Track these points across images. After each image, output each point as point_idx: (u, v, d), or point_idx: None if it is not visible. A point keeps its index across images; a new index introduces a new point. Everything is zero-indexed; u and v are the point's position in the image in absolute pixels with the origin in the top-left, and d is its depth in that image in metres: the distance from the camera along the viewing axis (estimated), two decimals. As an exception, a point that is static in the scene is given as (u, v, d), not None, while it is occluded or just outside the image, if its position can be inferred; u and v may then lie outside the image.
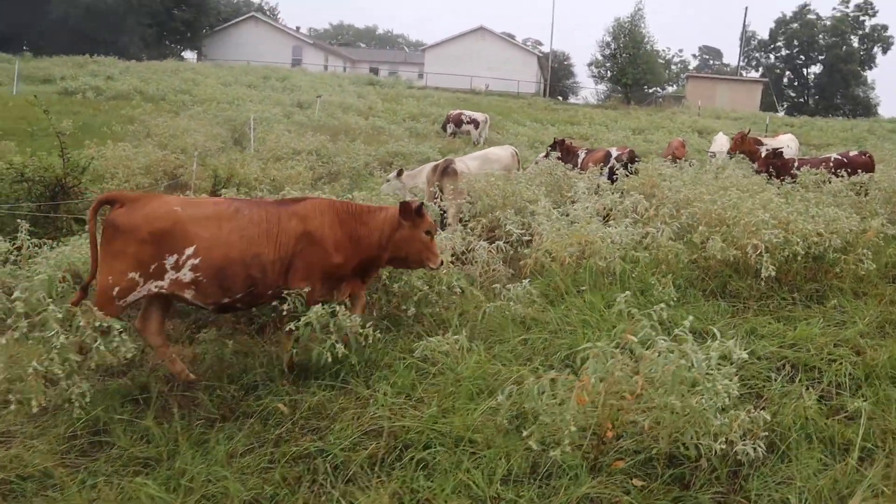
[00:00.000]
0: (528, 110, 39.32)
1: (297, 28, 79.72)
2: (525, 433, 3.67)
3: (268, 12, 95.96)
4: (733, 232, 7.13)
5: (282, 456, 4.18)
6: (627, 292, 4.44)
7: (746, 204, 7.43)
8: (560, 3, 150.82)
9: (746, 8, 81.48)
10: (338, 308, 5.07)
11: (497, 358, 5.29)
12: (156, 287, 4.90)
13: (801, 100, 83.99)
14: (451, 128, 24.94)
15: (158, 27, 57.10)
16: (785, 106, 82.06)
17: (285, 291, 5.20)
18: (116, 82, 30.76)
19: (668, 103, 54.57)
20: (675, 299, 6.56)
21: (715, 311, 6.53)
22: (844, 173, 10.58)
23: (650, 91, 71.52)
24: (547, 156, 12.57)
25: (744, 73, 78.77)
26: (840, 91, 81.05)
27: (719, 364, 3.71)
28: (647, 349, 3.84)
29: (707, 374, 3.64)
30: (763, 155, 11.87)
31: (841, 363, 5.22)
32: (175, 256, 4.87)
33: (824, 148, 29.68)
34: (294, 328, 4.93)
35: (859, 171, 10.92)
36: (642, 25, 57.23)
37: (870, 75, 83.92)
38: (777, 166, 11.49)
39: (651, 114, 41.79)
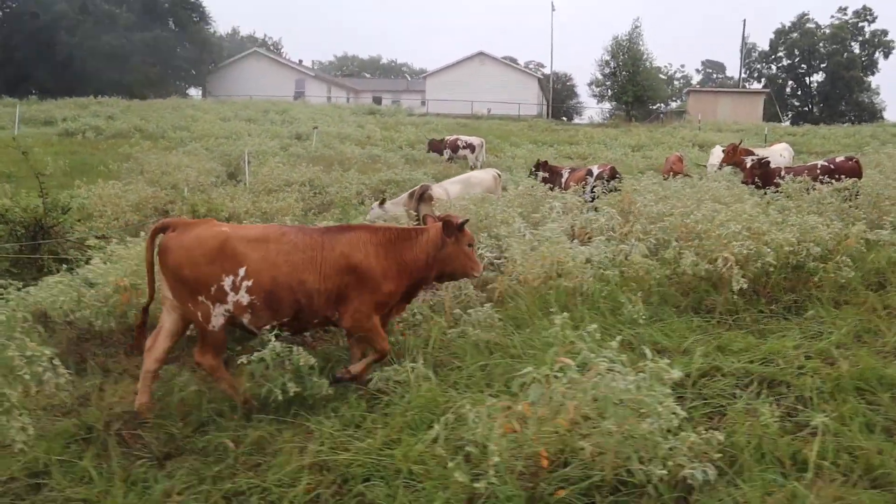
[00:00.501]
0: (528, 132, 39.33)
1: (300, 61, 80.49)
2: (450, 464, 3.51)
3: (271, 47, 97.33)
4: (706, 245, 6.97)
5: (218, 493, 4.05)
6: (565, 314, 4.27)
7: (719, 216, 7.27)
8: (561, 25, 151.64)
9: (745, 20, 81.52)
10: (294, 349, 4.95)
11: (455, 385, 5.15)
12: (226, 311, 5.08)
13: (806, 108, 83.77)
14: (447, 153, 25.04)
15: (163, 66, 57.79)
16: (790, 115, 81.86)
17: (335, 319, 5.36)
18: (117, 121, 31.07)
19: (670, 119, 54.50)
20: (646, 317, 6.42)
21: (687, 328, 6.36)
22: (832, 180, 10.40)
23: (654, 108, 71.64)
24: (531, 176, 12.47)
25: (746, 84, 78.76)
26: (844, 98, 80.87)
27: (651, 385, 3.53)
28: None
29: (642, 396, 3.47)
30: (749, 166, 11.70)
31: (811, 377, 5.04)
32: (231, 277, 5.01)
33: (826, 155, 29.43)
34: (247, 362, 4.84)
35: (846, 176, 10.74)
36: (640, 43, 57.54)
37: (873, 81, 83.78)
38: (762, 176, 11.31)
39: (652, 130, 41.68)
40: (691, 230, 7.29)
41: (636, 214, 8.44)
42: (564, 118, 72.16)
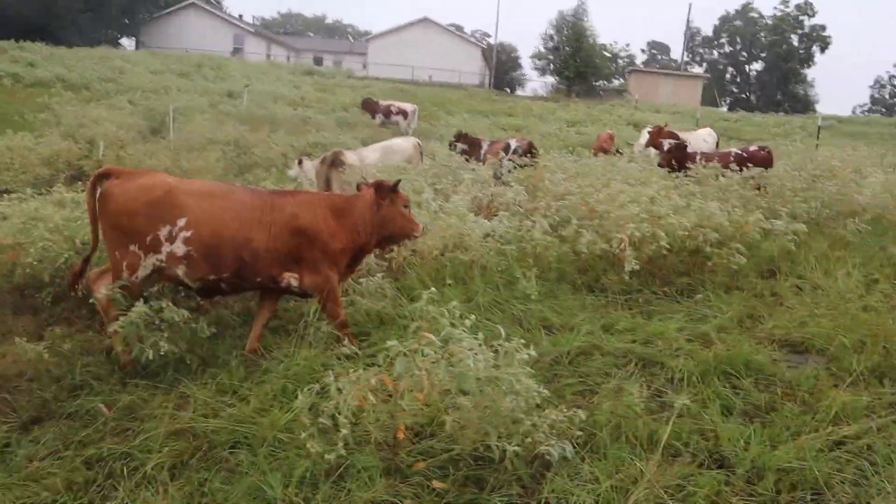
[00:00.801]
0: (467, 101, 39.27)
1: (241, 16, 78.32)
2: (303, 434, 3.52)
3: (213, 0, 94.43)
4: (604, 226, 7.10)
5: (79, 459, 3.99)
6: (432, 289, 4.29)
7: (620, 197, 7.40)
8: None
9: (690, 4, 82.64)
10: (165, 304, 4.88)
11: (338, 356, 5.14)
12: (157, 261, 5.07)
13: (744, 96, 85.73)
14: (379, 118, 24.84)
15: (93, 12, 55.19)
16: (728, 101, 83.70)
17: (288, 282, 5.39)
18: (38, 69, 29.72)
19: (610, 97, 55.04)
20: (541, 293, 6.53)
21: (580, 306, 6.49)
22: (743, 168, 10.68)
23: (596, 84, 72.21)
24: (451, 147, 12.46)
25: (689, 68, 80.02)
26: (780, 88, 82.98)
27: (509, 363, 3.59)
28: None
29: (499, 374, 3.53)
30: (666, 149, 11.92)
31: (685, 359, 5.20)
32: (168, 227, 5.01)
33: (754, 143, 30.22)
34: (120, 328, 4.74)
35: (758, 165, 11.05)
36: (585, 19, 57.73)
37: (809, 73, 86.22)
38: (678, 159, 11.54)
39: (590, 107, 42.04)
40: (593, 210, 7.41)
41: (544, 191, 8.53)
42: (508, 89, 72.15)
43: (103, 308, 5.17)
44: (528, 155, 11.11)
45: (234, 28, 65.00)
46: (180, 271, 5.10)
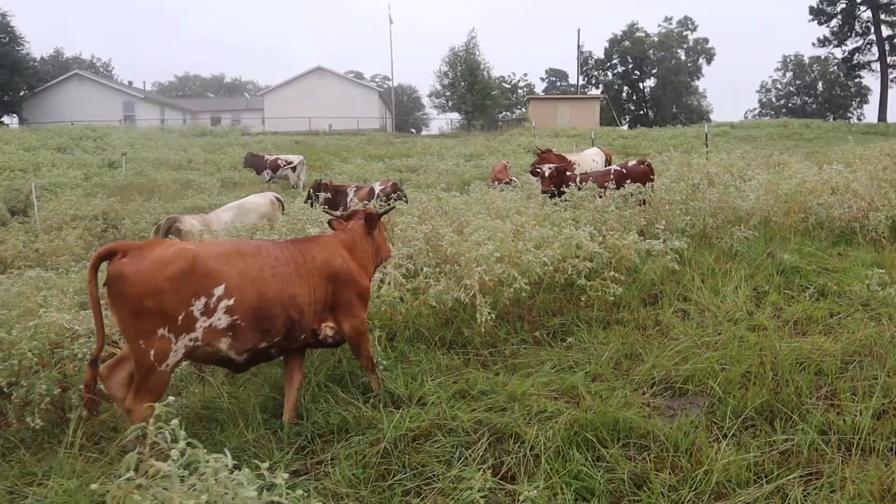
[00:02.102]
0: (365, 147, 38.50)
1: (130, 83, 76.13)
2: None
3: (101, 69, 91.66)
4: (459, 271, 6.22)
5: None
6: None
7: (475, 236, 6.56)
8: (406, 38, 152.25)
9: (579, 29, 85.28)
10: None
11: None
12: (191, 342, 4.28)
13: (641, 112, 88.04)
14: (268, 174, 23.67)
15: (-33, 92, 52.64)
16: (627, 119, 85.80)
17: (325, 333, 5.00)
18: None
19: (510, 126, 55.33)
20: (392, 358, 5.59)
21: (437, 368, 5.55)
22: (623, 184, 10.09)
23: (499, 116, 72.79)
24: (308, 200, 11.50)
25: (586, 91, 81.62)
26: (674, 102, 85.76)
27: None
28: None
29: None
30: (546, 174, 11.26)
31: (543, 429, 4.32)
32: (203, 300, 4.28)
33: (649, 156, 30.35)
34: None
35: (638, 181, 10.48)
36: (477, 53, 58.12)
37: (700, 84, 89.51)
38: (558, 184, 10.87)
39: (489, 139, 41.93)
40: (443, 253, 6.54)
41: (394, 238, 7.63)
42: (413, 130, 72.07)
43: (135, 418, 4.03)
44: (395, 197, 10.24)
45: (122, 95, 62.82)
46: (223, 345, 4.44)
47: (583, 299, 6.57)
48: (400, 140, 43.85)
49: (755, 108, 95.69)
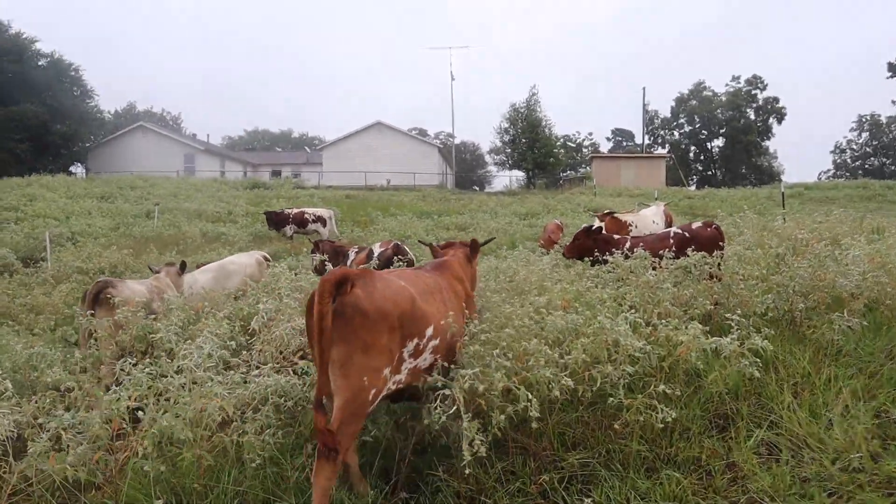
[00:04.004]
0: (418, 203, 36.89)
1: (194, 135, 77.23)
2: None
3: (170, 122, 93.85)
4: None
5: None
6: None
7: (472, 325, 4.55)
8: (470, 99, 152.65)
9: (644, 88, 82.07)
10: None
11: None
12: (394, 384, 4.03)
13: (709, 172, 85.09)
14: (291, 229, 21.92)
15: (33, 142, 53.31)
16: (694, 179, 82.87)
17: None
18: (-70, 201, 27.07)
19: (572, 185, 53.32)
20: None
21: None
22: (685, 251, 7.95)
23: (564, 174, 70.91)
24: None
25: (652, 150, 79.24)
26: (743, 162, 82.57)
27: None
28: None
29: None
30: (576, 235, 9.23)
31: None
32: (416, 341, 4.09)
33: (717, 217, 27.89)
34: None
35: (704, 247, 8.33)
36: (538, 109, 56.44)
37: (770, 145, 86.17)
38: (599, 248, 8.78)
39: (548, 197, 39.92)
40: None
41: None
42: (476, 188, 70.57)
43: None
44: (396, 260, 8.35)
45: (184, 147, 63.16)
46: (419, 383, 4.21)
47: (617, 425, 4.46)
48: (455, 197, 42.15)
49: (829, 170, 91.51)
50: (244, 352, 5.83)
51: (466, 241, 5.79)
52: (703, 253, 7.37)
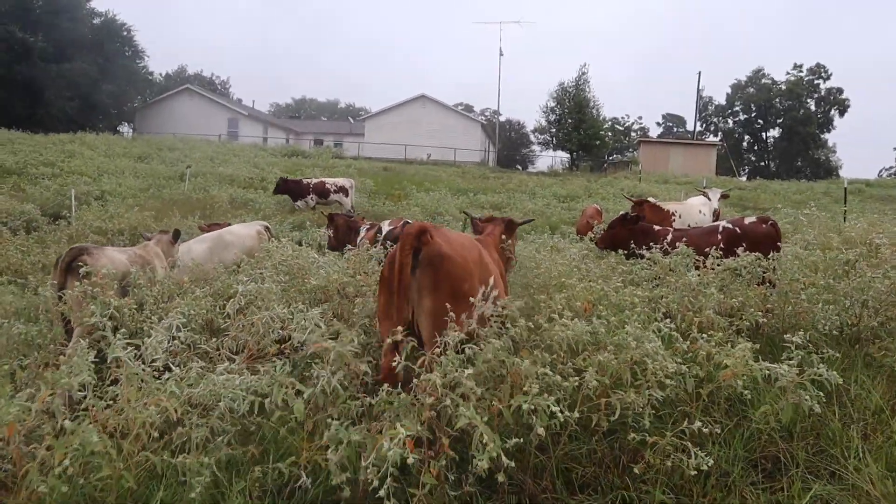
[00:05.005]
0: (457, 179, 35.94)
1: (240, 100, 77.13)
2: None
3: (219, 87, 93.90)
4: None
5: None
6: None
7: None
8: (520, 77, 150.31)
9: (700, 72, 79.47)
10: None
11: None
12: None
13: (762, 163, 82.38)
14: (312, 199, 20.76)
15: (82, 100, 53.53)
16: (746, 170, 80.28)
17: None
18: (-14, 155, 26.89)
19: (617, 169, 51.78)
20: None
21: None
22: (736, 249, 6.96)
23: (610, 158, 69.23)
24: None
25: (703, 138, 76.84)
26: (800, 154, 79.65)
27: None
28: None
29: None
30: (610, 223, 8.26)
31: None
32: (483, 288, 4.24)
33: (772, 211, 26.52)
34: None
35: (757, 245, 7.32)
36: (587, 90, 54.74)
37: (830, 138, 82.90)
38: (637, 238, 7.79)
39: (591, 180, 38.61)
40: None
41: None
42: (519, 167, 69.25)
43: None
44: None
45: (228, 112, 62.95)
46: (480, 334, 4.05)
47: (638, 468, 3.57)
48: (495, 175, 41.06)
49: (891, 167, 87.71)
50: (215, 339, 5.06)
51: (505, 218, 5.92)
52: (757, 254, 6.36)
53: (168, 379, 3.96)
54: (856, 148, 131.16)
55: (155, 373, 4.11)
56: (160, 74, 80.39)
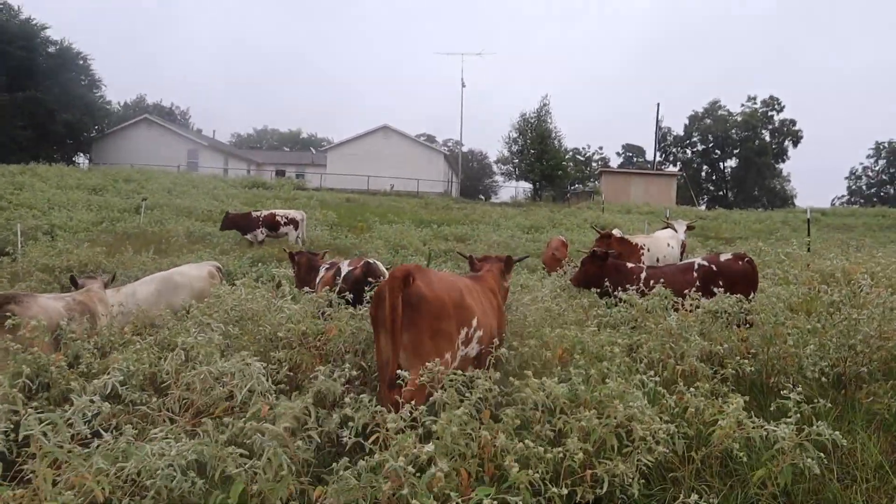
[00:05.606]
0: (420, 211, 35.63)
1: (199, 130, 76.20)
2: None
3: (178, 117, 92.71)
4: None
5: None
6: None
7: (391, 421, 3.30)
8: (481, 109, 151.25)
9: (658, 104, 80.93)
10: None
11: None
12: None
13: (720, 193, 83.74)
14: (262, 233, 20.16)
15: (35, 129, 52.24)
16: (705, 199, 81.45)
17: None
18: (-88, 187, 25.89)
19: (580, 199, 52.02)
20: None
21: None
22: (712, 287, 6.66)
23: (572, 188, 69.65)
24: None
25: (663, 168, 77.87)
26: (756, 184, 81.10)
27: None
28: None
29: None
30: (581, 261, 7.96)
31: None
32: (465, 330, 4.56)
33: (733, 243, 26.62)
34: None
35: (734, 283, 7.06)
36: (549, 120, 55.11)
37: (785, 168, 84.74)
38: (611, 277, 7.49)
39: (555, 210, 38.62)
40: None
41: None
42: (482, 197, 69.20)
43: None
44: (364, 281, 7.08)
45: (188, 142, 61.93)
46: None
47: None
48: (458, 206, 40.85)
49: (843, 196, 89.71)
50: (157, 397, 4.57)
51: (502, 256, 6.09)
52: (738, 296, 6.07)
53: (96, 449, 3.49)
54: (808, 176, 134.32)
55: (85, 440, 3.64)
56: (118, 104, 79.25)
